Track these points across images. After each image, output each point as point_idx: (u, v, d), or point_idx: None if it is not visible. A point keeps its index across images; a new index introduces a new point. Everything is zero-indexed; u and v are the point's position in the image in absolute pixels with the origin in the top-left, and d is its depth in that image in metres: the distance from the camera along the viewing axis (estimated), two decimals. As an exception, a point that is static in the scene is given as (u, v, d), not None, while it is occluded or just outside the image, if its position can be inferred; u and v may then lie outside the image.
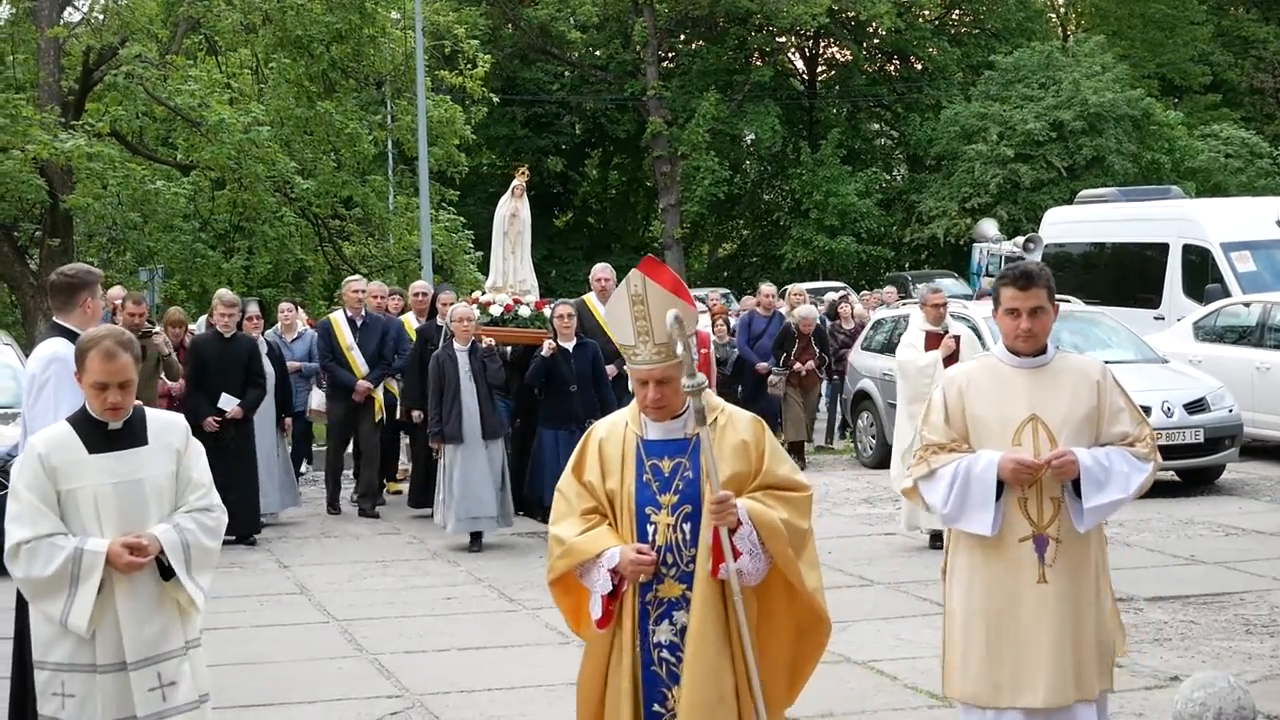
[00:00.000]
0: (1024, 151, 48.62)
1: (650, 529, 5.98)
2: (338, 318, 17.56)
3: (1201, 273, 24.27)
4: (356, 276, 18.60)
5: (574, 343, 15.45)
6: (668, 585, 5.97)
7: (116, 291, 17.26)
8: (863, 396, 21.16)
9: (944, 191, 51.12)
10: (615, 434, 6.15)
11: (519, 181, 16.68)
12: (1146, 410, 17.48)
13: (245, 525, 15.13)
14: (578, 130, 60.83)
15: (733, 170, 56.76)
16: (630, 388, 6.26)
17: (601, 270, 17.55)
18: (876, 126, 61.98)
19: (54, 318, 8.99)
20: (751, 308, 23.39)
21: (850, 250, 52.55)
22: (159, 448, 6.39)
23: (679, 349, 5.87)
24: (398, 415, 17.59)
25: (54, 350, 8.26)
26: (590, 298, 17.24)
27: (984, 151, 49.17)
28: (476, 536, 15.18)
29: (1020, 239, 26.96)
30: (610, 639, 6.02)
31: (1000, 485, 6.65)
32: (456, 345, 15.09)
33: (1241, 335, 20.81)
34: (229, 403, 15.29)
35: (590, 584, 6.00)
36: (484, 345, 15.19)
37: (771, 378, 21.24)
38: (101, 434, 6.32)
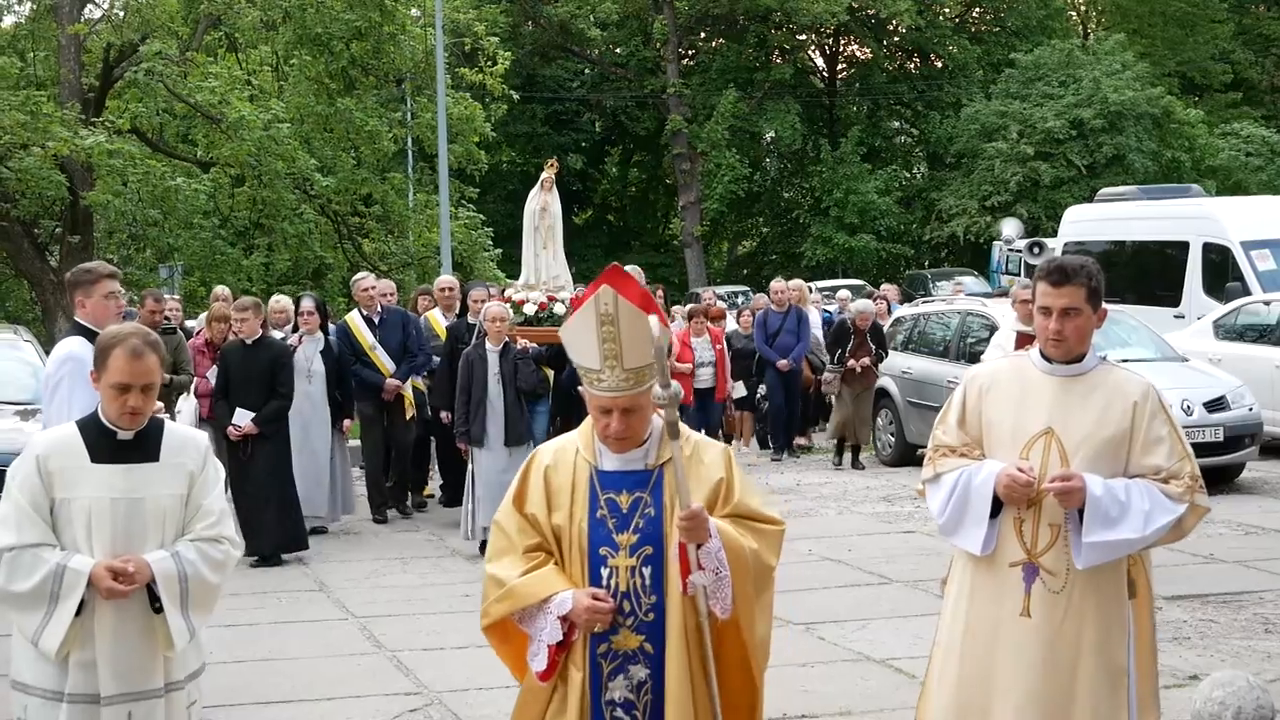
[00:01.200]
0: (1044, 150, 48.56)
1: (605, 572, 5.30)
2: (354, 318, 16.76)
3: (1222, 271, 24.20)
4: (363, 273, 17.92)
5: None
6: (624, 636, 5.30)
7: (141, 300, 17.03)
8: (882, 394, 21.13)
9: (964, 189, 51.08)
10: (564, 461, 5.44)
11: (548, 174, 16.30)
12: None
13: (280, 543, 14.39)
14: (598, 128, 60.91)
15: (753, 168, 56.81)
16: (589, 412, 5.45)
17: (631, 270, 16.94)
18: (896, 124, 61.96)
19: (75, 315, 9.05)
20: (765, 304, 22.92)
21: (870, 248, 52.55)
22: (171, 466, 5.83)
23: (650, 369, 5.23)
24: (428, 413, 17.00)
25: (69, 349, 8.28)
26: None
27: (1004, 149, 49.12)
28: None
29: (1027, 241, 27.03)
30: (551, 692, 5.37)
31: (998, 500, 6.02)
32: (488, 345, 14.42)
33: (1262, 334, 20.75)
34: (243, 417, 14.32)
35: (534, 631, 5.30)
36: (519, 347, 14.61)
37: (826, 375, 20.93)
38: (110, 442, 5.77)
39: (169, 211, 26.99)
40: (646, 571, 5.32)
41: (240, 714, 9.40)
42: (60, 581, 5.58)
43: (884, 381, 21.05)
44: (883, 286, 30.74)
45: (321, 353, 15.68)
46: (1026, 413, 6.11)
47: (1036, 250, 27.08)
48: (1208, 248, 24.92)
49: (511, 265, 36.89)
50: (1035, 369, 6.20)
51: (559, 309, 15.47)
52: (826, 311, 26.52)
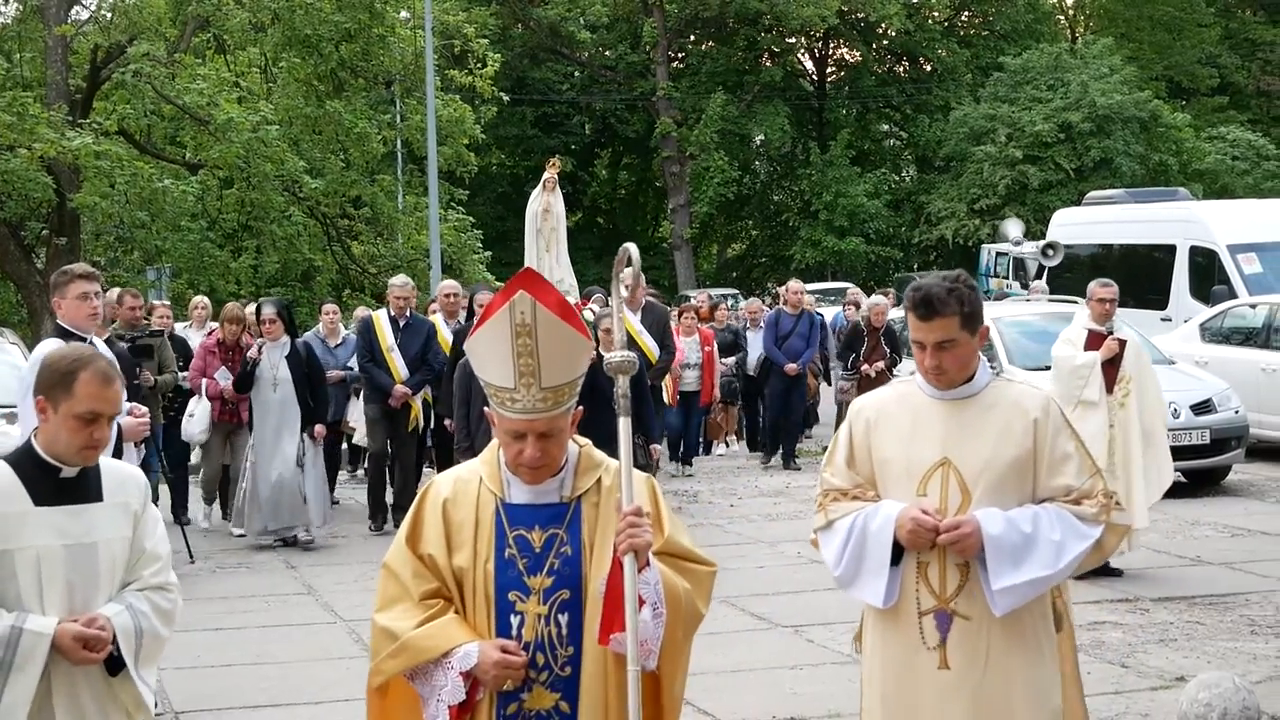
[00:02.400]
0: (1032, 153, 48.65)
1: (515, 620, 4.62)
2: (380, 316, 16.44)
3: (1208, 274, 24.28)
4: (402, 279, 17.28)
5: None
6: (537, 694, 4.62)
7: (113, 293, 17.01)
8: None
9: (952, 192, 51.18)
10: (465, 493, 4.75)
11: (551, 174, 15.89)
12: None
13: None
14: (587, 130, 60.95)
15: (742, 171, 56.87)
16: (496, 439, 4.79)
17: (630, 248, 16.65)
18: (885, 127, 62.06)
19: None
20: (779, 306, 22.01)
21: (859, 251, 52.63)
22: (116, 505, 5.03)
23: (574, 385, 4.66)
24: (431, 424, 16.81)
25: (46, 351, 8.26)
26: (593, 309, 16.02)
27: (992, 153, 49.21)
28: None
29: (1039, 244, 26.61)
30: None
31: (899, 546, 5.40)
32: None
33: (1248, 337, 20.80)
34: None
35: (429, 691, 4.61)
36: None
37: (841, 383, 20.29)
38: (52, 481, 4.90)
39: (157, 213, 26.97)
40: (562, 619, 4.63)
41: (228, 717, 9.39)
42: (15, 648, 4.70)
43: (841, 384, 21.11)
44: (873, 297, 30.53)
45: (287, 358, 15.06)
46: (919, 444, 5.49)
47: (1050, 253, 26.45)
48: (1194, 251, 25.02)
49: (501, 268, 36.89)
50: (922, 394, 5.58)
51: None
52: (818, 314, 26.38)
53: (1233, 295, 22.89)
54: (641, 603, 4.50)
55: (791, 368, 20.38)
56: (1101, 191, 32.82)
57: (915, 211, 54.11)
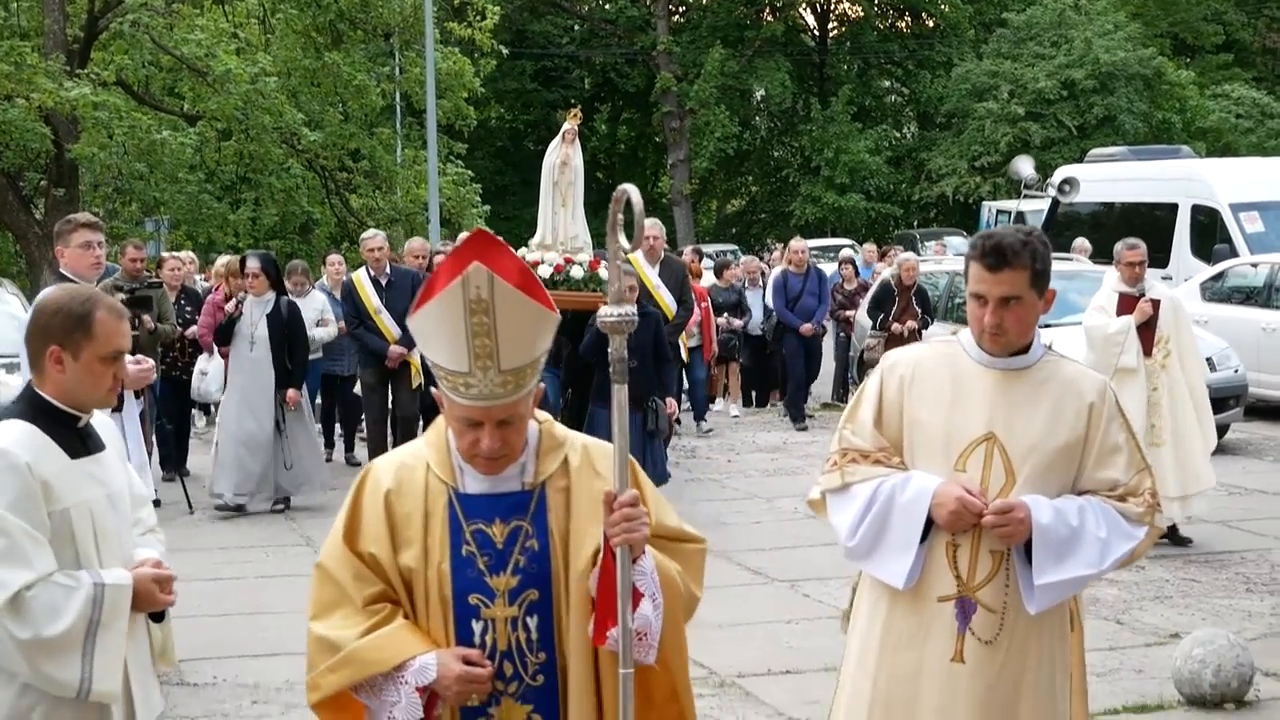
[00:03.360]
0: (1035, 110, 48.54)
1: (478, 627, 4.10)
2: (361, 278, 15.82)
3: (1210, 233, 24.25)
4: (372, 232, 16.94)
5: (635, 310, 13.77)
6: (506, 708, 4.12)
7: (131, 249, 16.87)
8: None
9: (954, 149, 51.07)
10: (410, 482, 4.18)
11: (570, 125, 14.96)
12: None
13: None
14: (587, 84, 60.82)
15: (742, 126, 56.71)
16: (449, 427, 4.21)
17: (650, 228, 15.76)
18: (887, 83, 61.88)
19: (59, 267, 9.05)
20: (784, 266, 21.28)
21: (859, 208, 52.56)
22: (114, 451, 4.82)
23: (535, 366, 4.09)
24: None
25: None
26: (635, 258, 15.26)
27: (994, 109, 49.09)
28: None
29: (1056, 179, 25.86)
30: None
31: (929, 524, 4.91)
32: None
33: (1249, 296, 20.77)
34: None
35: (378, 705, 4.09)
36: None
37: (869, 341, 19.63)
38: (74, 433, 4.64)
39: (155, 165, 26.90)
40: (532, 622, 4.12)
41: (226, 666, 9.40)
42: (101, 607, 4.43)
43: (870, 343, 21.04)
44: (865, 246, 30.44)
45: (268, 316, 14.50)
46: (961, 413, 4.98)
47: (1066, 189, 25.93)
48: (1196, 209, 24.98)
49: (500, 222, 36.83)
50: (969, 359, 5.06)
51: (576, 271, 14.49)
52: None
53: (1234, 254, 22.85)
54: (640, 596, 4.06)
55: (807, 328, 20.11)
56: (1104, 149, 32.73)
57: (916, 168, 54.02)
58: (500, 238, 4.28)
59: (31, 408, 4.59)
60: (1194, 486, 12.17)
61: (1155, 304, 12.42)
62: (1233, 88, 52.08)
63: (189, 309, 16.60)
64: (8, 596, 4.25)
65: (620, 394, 4.08)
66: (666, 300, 15.42)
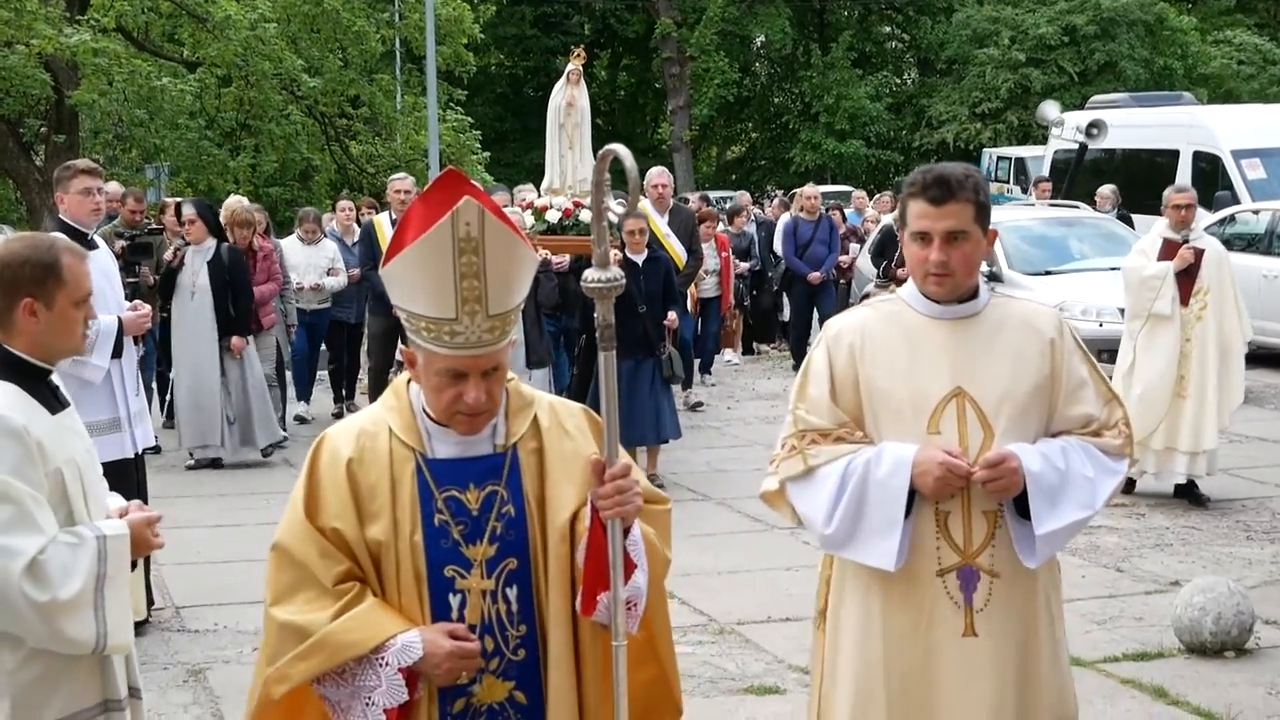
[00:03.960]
0: (1035, 56, 48.34)
1: (455, 600, 3.87)
2: (382, 221, 15.55)
3: (1211, 180, 24.20)
4: (402, 175, 16.59)
5: (644, 256, 13.19)
6: (488, 686, 3.89)
7: (114, 188, 16.64)
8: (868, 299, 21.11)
9: (954, 96, 50.91)
10: (372, 451, 3.92)
11: (575, 65, 14.81)
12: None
13: None
14: (587, 30, 60.50)
15: (742, 73, 56.51)
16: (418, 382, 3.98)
17: (658, 176, 15.80)
18: (888, 29, 61.55)
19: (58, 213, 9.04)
20: (794, 212, 21.03)
21: (859, 154, 52.41)
22: (72, 405, 4.70)
23: (517, 311, 3.91)
24: None
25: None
26: (644, 205, 14.98)
27: (995, 56, 48.90)
28: None
29: (1083, 123, 25.38)
30: None
31: (911, 496, 4.55)
32: None
33: (1250, 243, 20.73)
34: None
35: (347, 694, 3.84)
36: (540, 257, 12.57)
37: (871, 289, 18.96)
38: (47, 388, 4.52)
39: (155, 112, 26.83)
40: (511, 593, 3.90)
41: (226, 613, 9.43)
42: (106, 561, 4.33)
43: (870, 288, 21.03)
44: (855, 195, 30.20)
45: (209, 263, 13.85)
46: (923, 374, 4.64)
47: (1094, 132, 25.18)
48: (1198, 156, 24.96)
49: (500, 169, 36.73)
50: (915, 313, 4.74)
51: (586, 215, 14.02)
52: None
53: (1236, 201, 22.83)
54: (633, 567, 3.90)
55: (815, 276, 19.98)
56: (1105, 95, 32.65)
57: (916, 115, 53.81)
58: (471, 179, 4.11)
59: (5, 367, 4.42)
60: (1198, 444, 11.97)
61: (1198, 253, 12.03)
62: (1235, 34, 51.86)
63: None
64: (25, 563, 4.15)
65: (608, 360, 3.90)
66: (677, 249, 15.12)
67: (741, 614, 9.50)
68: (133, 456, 9.13)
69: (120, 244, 13.96)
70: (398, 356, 5.11)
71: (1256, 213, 21.26)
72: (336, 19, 28.69)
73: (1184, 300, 11.98)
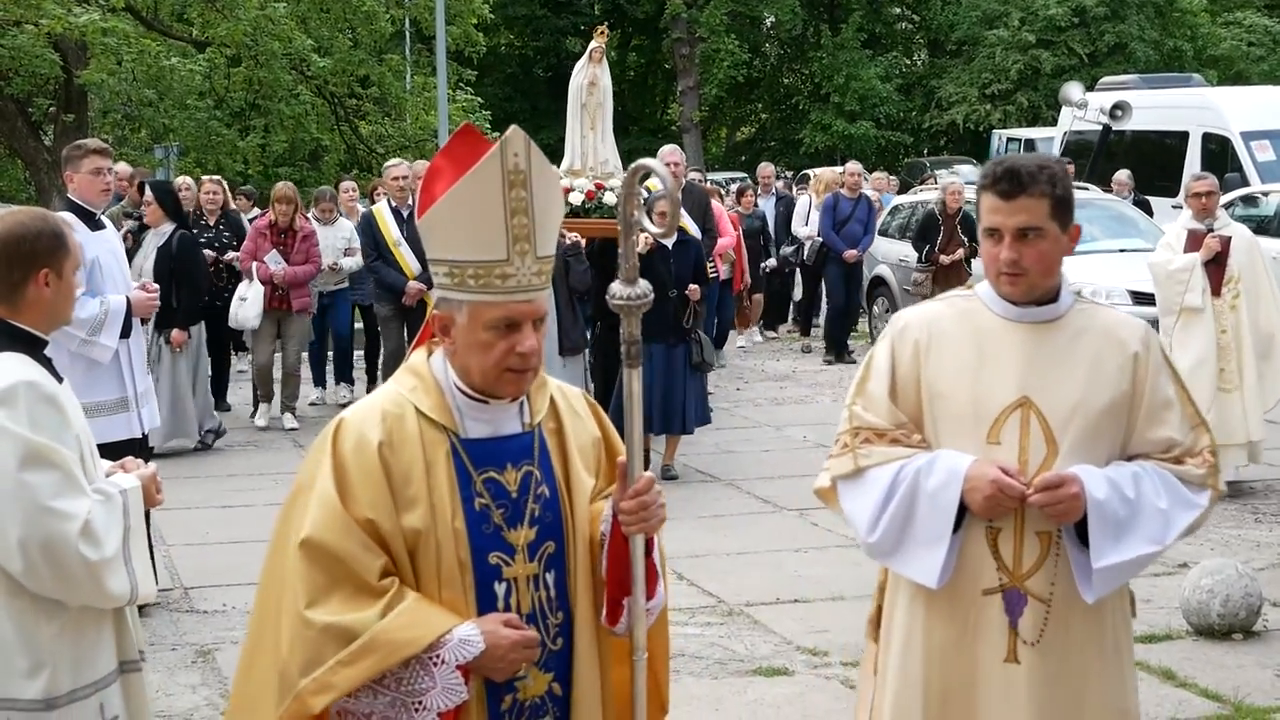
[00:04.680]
0: (1045, 37, 48.21)
1: (501, 589, 3.64)
2: (381, 210, 15.18)
3: (1221, 161, 24.14)
4: (398, 161, 16.36)
5: (674, 239, 12.52)
6: (534, 678, 3.70)
7: (123, 168, 16.55)
8: (879, 282, 21.12)
9: (964, 77, 50.80)
10: (400, 433, 3.62)
11: (598, 43, 14.34)
12: (1154, 300, 17.43)
13: None
14: (596, 11, 60.37)
15: (752, 53, 56.39)
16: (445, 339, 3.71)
17: (671, 154, 15.26)
18: (898, 10, 61.37)
19: (67, 193, 9.06)
20: (836, 188, 20.50)
21: (869, 135, 52.28)
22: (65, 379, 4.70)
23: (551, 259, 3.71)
24: None
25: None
26: (655, 184, 14.20)
27: (1005, 37, 48.78)
28: None
29: (1107, 104, 25.07)
30: None
31: (962, 510, 4.29)
32: None
33: (1259, 225, 20.68)
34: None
35: (388, 703, 3.54)
36: (568, 241, 12.73)
37: (915, 275, 18.77)
38: (46, 360, 4.56)
39: (164, 92, 26.78)
40: (550, 579, 3.73)
41: (235, 593, 9.44)
42: (129, 514, 4.44)
43: (880, 269, 21.06)
44: (947, 176, 29.94)
45: (159, 249, 13.08)
46: (989, 378, 4.35)
47: (1119, 113, 24.89)
48: (1207, 138, 24.91)
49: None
50: (990, 313, 4.43)
51: (609, 198, 13.68)
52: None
53: (1245, 183, 22.77)
54: (655, 578, 3.85)
55: (851, 254, 19.74)
56: (1115, 77, 32.56)
57: (926, 96, 53.70)
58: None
59: (13, 340, 4.45)
60: (1249, 434, 11.68)
61: (1225, 241, 11.69)
62: (1245, 15, 51.71)
63: (227, 234, 16.17)
64: (80, 525, 4.24)
65: (633, 378, 3.78)
66: (691, 229, 14.58)
67: (750, 595, 9.51)
68: (141, 436, 9.14)
69: (128, 224, 13.98)
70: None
71: (1266, 194, 21.23)
72: (346, -1, 28.67)
73: (1215, 291, 11.64)
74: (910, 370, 4.45)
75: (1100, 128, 25.21)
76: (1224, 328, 11.70)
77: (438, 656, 3.47)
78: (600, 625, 3.80)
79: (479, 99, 32.67)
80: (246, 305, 15.11)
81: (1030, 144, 37.68)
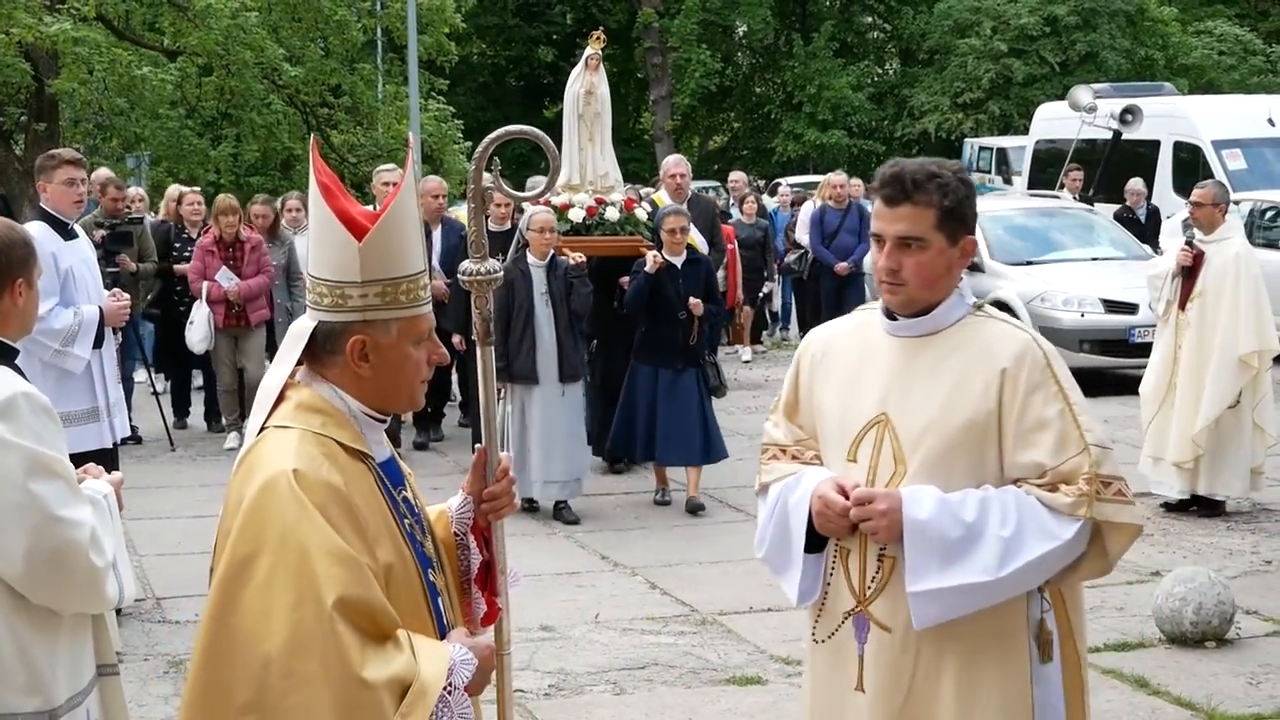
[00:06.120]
0: (1017, 46, 48.34)
1: (443, 604, 3.67)
2: None
3: (1192, 170, 24.21)
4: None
5: (683, 258, 12.29)
6: None
7: (103, 173, 16.43)
8: (859, 293, 21.09)
9: (936, 86, 50.91)
10: (346, 470, 3.46)
11: (594, 50, 13.81)
12: (1128, 309, 17.31)
13: None
14: (569, 20, 60.43)
15: (724, 62, 56.46)
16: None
17: (676, 165, 14.94)
18: (869, 19, 61.55)
19: (40, 202, 9.04)
20: (823, 200, 20.35)
21: (841, 144, 52.37)
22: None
23: None
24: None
25: (33, 234, 8.21)
26: (661, 196, 14.54)
27: (977, 46, 48.89)
28: (561, 506, 12.16)
29: (1117, 109, 24.81)
30: None
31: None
32: (531, 259, 11.89)
33: (1231, 234, 20.78)
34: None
35: None
36: (573, 262, 12.11)
37: None
38: (19, 371, 4.53)
39: (135, 101, 26.70)
40: (452, 587, 3.82)
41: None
42: (111, 514, 4.49)
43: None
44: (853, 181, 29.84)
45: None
46: (859, 393, 4.22)
47: (1129, 118, 24.63)
48: (1178, 146, 25.01)
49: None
50: (880, 327, 4.29)
51: (611, 214, 13.25)
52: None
53: (1218, 192, 22.83)
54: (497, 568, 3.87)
55: (843, 267, 19.41)
56: (1086, 86, 32.68)
57: (898, 105, 53.81)
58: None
59: None
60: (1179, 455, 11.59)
61: (1196, 255, 11.53)
62: (1215, 24, 51.90)
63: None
64: (89, 532, 4.25)
65: (486, 355, 3.87)
66: (698, 242, 14.02)
67: (724, 604, 9.51)
68: (111, 447, 9.11)
69: (100, 233, 13.92)
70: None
71: (1237, 203, 21.29)
72: (318, 8, 28.57)
73: (1181, 303, 11.63)
74: (806, 384, 4.39)
75: (1111, 133, 24.84)
76: (1180, 342, 11.62)
77: (450, 684, 3.37)
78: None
79: (451, 108, 32.62)
80: (194, 329, 14.74)
81: (1002, 152, 37.82)
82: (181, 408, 16.11)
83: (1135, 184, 22.49)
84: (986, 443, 4.06)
